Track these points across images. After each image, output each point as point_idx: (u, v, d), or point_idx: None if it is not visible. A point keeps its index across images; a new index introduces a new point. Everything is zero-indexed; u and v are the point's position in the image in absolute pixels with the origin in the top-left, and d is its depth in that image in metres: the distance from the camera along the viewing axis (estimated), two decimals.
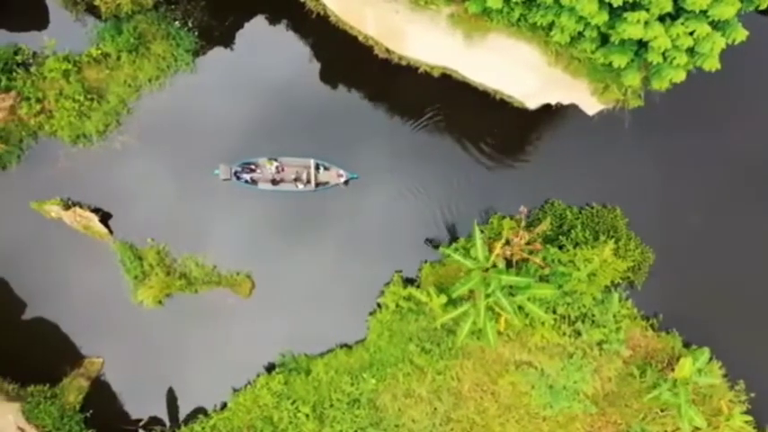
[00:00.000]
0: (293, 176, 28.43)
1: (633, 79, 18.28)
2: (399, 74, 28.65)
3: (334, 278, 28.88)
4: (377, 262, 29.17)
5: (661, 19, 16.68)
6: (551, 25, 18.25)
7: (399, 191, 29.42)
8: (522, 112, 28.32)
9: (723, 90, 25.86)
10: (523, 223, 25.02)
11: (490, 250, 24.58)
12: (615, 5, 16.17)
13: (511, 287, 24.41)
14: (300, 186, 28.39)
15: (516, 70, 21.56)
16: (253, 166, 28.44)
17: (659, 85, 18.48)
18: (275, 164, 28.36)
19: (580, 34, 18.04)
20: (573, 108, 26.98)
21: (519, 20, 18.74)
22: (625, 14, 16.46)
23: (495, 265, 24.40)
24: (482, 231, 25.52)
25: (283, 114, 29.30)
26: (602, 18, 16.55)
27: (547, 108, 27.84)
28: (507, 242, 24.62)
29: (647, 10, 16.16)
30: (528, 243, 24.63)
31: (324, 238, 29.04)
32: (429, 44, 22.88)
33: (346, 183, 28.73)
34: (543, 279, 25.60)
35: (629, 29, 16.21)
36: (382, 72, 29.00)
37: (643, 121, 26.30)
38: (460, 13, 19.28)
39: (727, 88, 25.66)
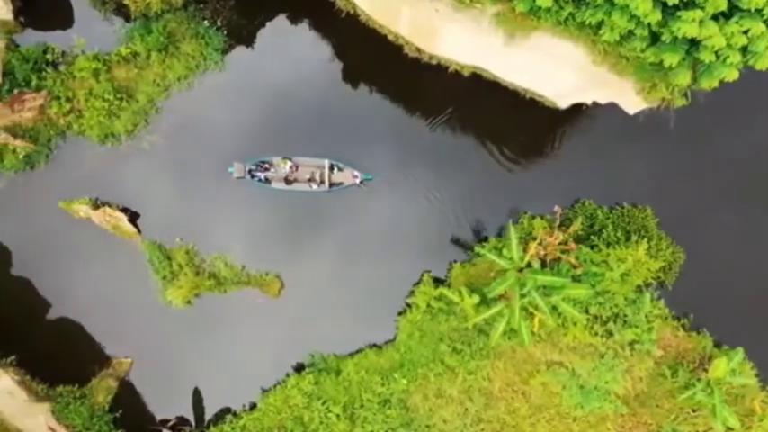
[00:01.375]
0: (307, 176, 28.39)
1: (684, 78, 18.18)
2: (426, 73, 28.53)
3: (361, 278, 28.80)
4: (403, 262, 29.11)
5: (714, 18, 16.60)
6: (600, 24, 18.19)
7: (423, 191, 29.33)
8: (549, 111, 28.24)
9: (759, 90, 25.81)
10: (557, 223, 24.92)
11: (524, 250, 24.52)
12: (670, 4, 16.07)
13: (545, 287, 24.31)
14: (314, 187, 28.35)
15: (556, 69, 21.48)
16: (267, 165, 28.36)
17: (708, 84, 18.39)
18: (289, 163, 28.22)
19: (630, 33, 17.97)
20: (600, 108, 27.04)
21: (566, 19, 18.68)
22: (679, 13, 16.35)
23: (529, 265, 24.33)
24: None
25: (303, 114, 29.22)
26: (656, 17, 16.47)
27: (576, 108, 27.87)
28: (541, 242, 24.53)
29: (702, 8, 16.06)
30: (562, 243, 24.53)
31: (350, 238, 28.96)
32: (465, 43, 22.79)
33: (361, 183, 28.52)
34: (575, 279, 25.52)
35: (683, 27, 16.09)
36: (409, 71, 28.90)
37: (679, 121, 26.16)
38: (506, 11, 19.20)
39: (762, 88, 25.59)
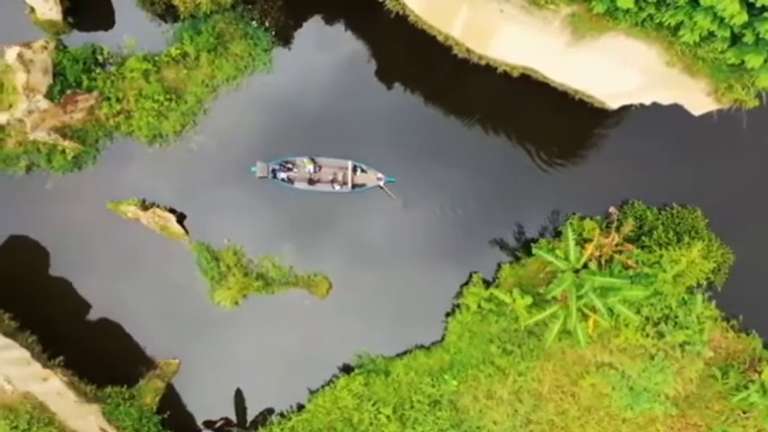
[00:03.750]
0: (330, 177, 28.37)
1: (766, 80, 18.17)
2: (472, 74, 28.52)
3: (406, 279, 28.72)
4: (447, 263, 29.09)
5: None
6: (679, 25, 18.16)
7: (464, 192, 29.29)
8: (593, 112, 28.31)
9: None
10: (614, 224, 24.87)
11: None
12: (758, 5, 16.01)
13: (601, 288, 24.24)
14: (337, 187, 28.30)
15: (621, 70, 21.42)
16: (290, 165, 28.28)
17: None
18: (314, 164, 28.22)
19: (711, 34, 17.95)
20: (648, 108, 27.05)
21: (644, 20, 18.66)
22: (767, 14, 16.31)
23: (585, 266, 24.29)
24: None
25: (340, 114, 29.14)
26: (742, 18, 16.42)
27: (622, 109, 27.87)
28: (597, 243, 24.48)
29: None
30: (618, 244, 24.49)
31: (395, 239, 28.89)
32: (523, 44, 22.74)
33: (384, 186, 28.44)
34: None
35: None
36: (454, 72, 28.90)
37: (725, 122, 26.14)
38: (581, 13, 19.15)
39: None
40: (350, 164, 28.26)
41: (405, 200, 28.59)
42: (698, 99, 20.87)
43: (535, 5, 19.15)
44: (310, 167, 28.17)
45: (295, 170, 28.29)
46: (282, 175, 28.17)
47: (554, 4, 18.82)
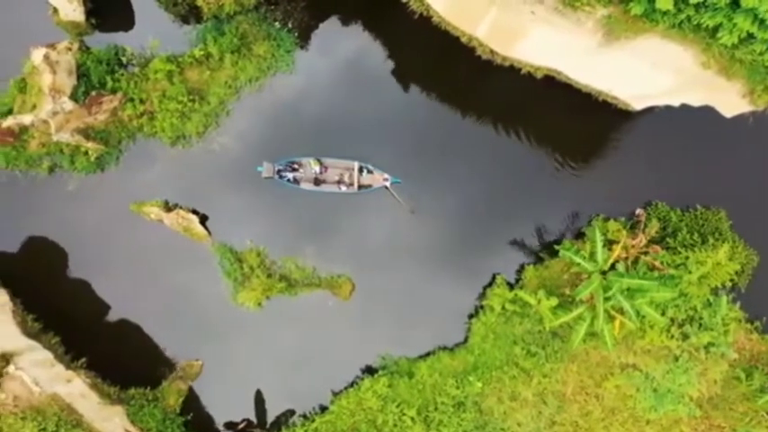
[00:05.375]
0: (336, 178, 28.36)
1: None
2: (494, 75, 28.50)
3: (428, 281, 28.71)
4: (468, 264, 29.11)
5: None
6: (717, 26, 18.13)
7: (484, 193, 29.25)
8: (618, 113, 28.30)
9: None
10: (642, 226, 24.83)
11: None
12: None
13: (628, 290, 24.21)
14: (343, 188, 28.27)
15: (650, 72, 21.37)
16: (296, 165, 28.23)
17: None
18: (321, 164, 28.18)
19: (749, 36, 17.92)
20: (671, 110, 27.05)
21: (682, 21, 18.62)
22: None
23: (612, 268, 24.25)
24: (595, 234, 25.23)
25: (361, 115, 29.17)
26: None
27: (647, 110, 27.86)
28: (624, 245, 24.44)
29: None
30: (645, 246, 24.46)
31: (415, 240, 28.86)
32: (552, 46, 22.68)
33: (390, 186, 28.37)
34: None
35: None
36: (477, 73, 28.92)
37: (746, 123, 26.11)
38: (618, 14, 19.11)
39: None
40: (356, 165, 28.23)
41: (413, 203, 28.52)
42: (732, 101, 20.82)
43: (570, 7, 19.09)
44: (316, 168, 28.14)
45: (301, 171, 28.26)
46: (289, 175, 28.12)
47: (590, 6, 18.77)
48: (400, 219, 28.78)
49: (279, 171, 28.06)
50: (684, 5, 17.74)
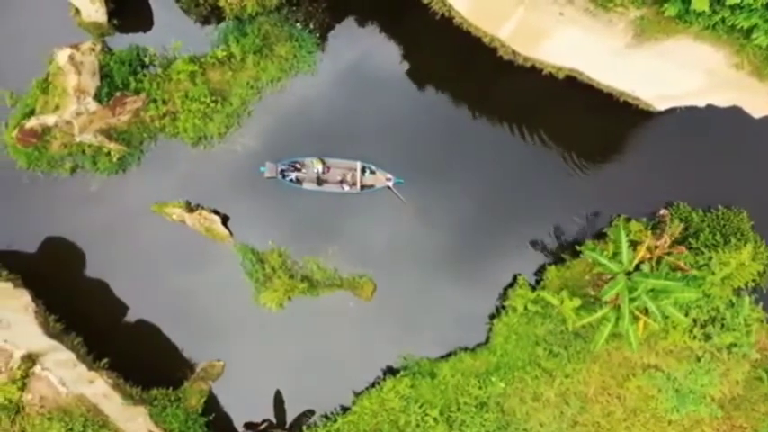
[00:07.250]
0: (338, 178, 28.37)
1: None
2: (514, 75, 28.57)
3: (448, 282, 28.72)
4: (489, 265, 29.13)
5: None
6: (752, 28, 18.16)
7: (502, 194, 29.30)
8: (639, 114, 28.34)
9: None
10: (668, 226, 24.86)
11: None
12: None
13: (652, 290, 24.22)
14: (346, 188, 28.29)
15: (677, 72, 21.41)
16: (298, 165, 28.25)
17: None
18: (324, 164, 28.19)
19: None
20: (690, 110, 27.10)
21: (716, 23, 18.65)
22: None
23: (637, 268, 24.28)
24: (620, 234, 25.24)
25: (378, 116, 29.16)
26: None
27: (669, 111, 27.89)
28: (649, 245, 24.47)
29: None
30: (670, 246, 24.49)
31: (435, 242, 28.88)
32: (577, 46, 22.71)
33: (392, 187, 28.43)
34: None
35: None
36: (498, 73, 28.96)
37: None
38: (650, 15, 19.13)
39: None
40: (359, 165, 28.25)
41: (415, 204, 28.57)
42: (762, 102, 20.86)
43: (602, 8, 19.12)
44: (319, 168, 28.10)
45: (304, 171, 28.24)
46: (291, 175, 28.12)
47: (623, 7, 18.80)
48: (417, 220, 28.77)
49: (282, 171, 28.05)
50: (720, 7, 17.79)
